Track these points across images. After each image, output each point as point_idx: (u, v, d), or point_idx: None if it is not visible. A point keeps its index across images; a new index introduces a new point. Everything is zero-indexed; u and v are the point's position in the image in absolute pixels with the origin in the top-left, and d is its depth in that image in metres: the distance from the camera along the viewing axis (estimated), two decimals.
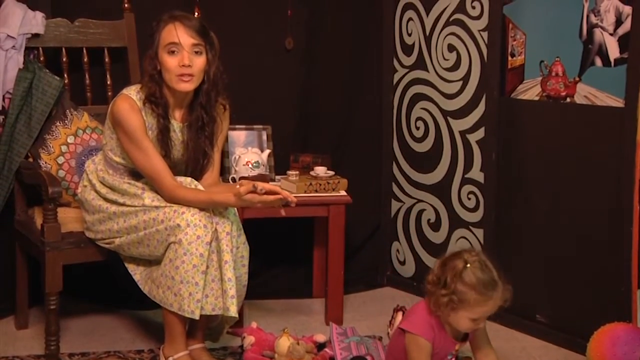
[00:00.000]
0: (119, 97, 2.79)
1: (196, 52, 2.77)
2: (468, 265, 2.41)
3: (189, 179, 2.81)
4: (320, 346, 3.05)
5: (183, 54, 2.74)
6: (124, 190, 2.82)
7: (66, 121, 3.15)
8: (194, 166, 2.88)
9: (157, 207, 2.73)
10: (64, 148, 3.12)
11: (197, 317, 2.68)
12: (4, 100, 3.09)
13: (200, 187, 2.79)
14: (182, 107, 2.87)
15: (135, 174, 2.85)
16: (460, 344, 2.58)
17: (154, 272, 2.77)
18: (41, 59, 3.19)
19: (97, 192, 2.87)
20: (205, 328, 2.91)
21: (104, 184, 2.87)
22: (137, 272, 2.86)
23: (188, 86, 2.77)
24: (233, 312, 2.68)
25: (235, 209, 2.81)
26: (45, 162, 3.08)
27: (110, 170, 2.87)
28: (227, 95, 2.92)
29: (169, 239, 2.68)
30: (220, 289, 2.69)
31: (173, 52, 2.74)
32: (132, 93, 2.79)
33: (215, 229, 2.69)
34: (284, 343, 2.92)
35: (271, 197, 2.64)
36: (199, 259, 2.64)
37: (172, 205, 2.71)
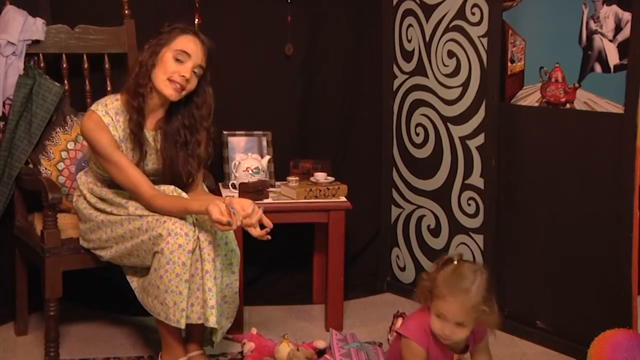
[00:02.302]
0: (86, 114, 2.80)
1: (195, 73, 2.79)
2: (454, 262, 2.46)
3: (171, 187, 2.79)
4: (320, 352, 3.05)
5: (187, 66, 2.75)
6: (110, 200, 2.82)
7: (66, 127, 3.15)
8: (178, 182, 2.85)
9: (140, 216, 2.72)
10: (64, 154, 3.12)
11: (182, 327, 2.66)
12: (4, 106, 3.10)
13: (183, 194, 2.77)
14: (155, 116, 2.86)
15: (112, 184, 2.85)
16: (459, 356, 2.57)
17: (145, 281, 2.78)
18: (41, 65, 3.20)
19: (87, 201, 2.88)
20: (202, 334, 2.90)
21: (93, 194, 2.88)
22: (134, 280, 2.86)
23: (174, 95, 2.77)
24: (212, 322, 2.64)
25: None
26: (46, 168, 3.08)
27: (98, 182, 2.88)
28: (213, 121, 2.92)
29: (154, 248, 2.68)
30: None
31: (179, 60, 2.75)
32: (99, 108, 2.78)
33: (198, 237, 2.68)
34: (284, 349, 2.92)
35: (245, 222, 2.58)
36: (181, 268, 2.62)
37: (155, 214, 2.70)
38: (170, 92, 2.76)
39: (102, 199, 2.84)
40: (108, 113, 2.77)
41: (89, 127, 2.75)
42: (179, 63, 2.75)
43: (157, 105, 2.84)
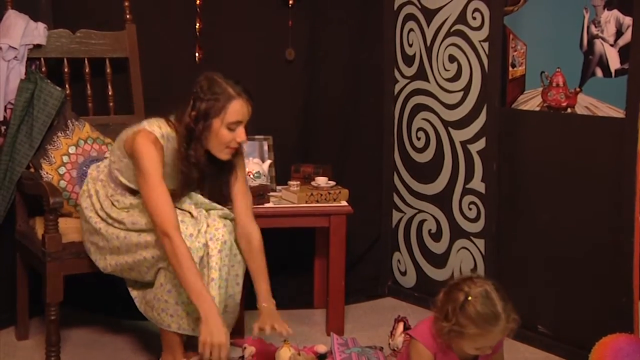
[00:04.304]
0: (141, 132, 2.69)
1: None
2: (469, 298, 2.37)
3: (199, 199, 2.77)
4: (321, 357, 3.04)
5: (242, 130, 2.70)
6: (110, 206, 2.80)
7: (67, 131, 3.15)
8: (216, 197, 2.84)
9: (138, 232, 2.72)
10: (65, 158, 3.12)
11: (198, 334, 2.65)
12: (5, 110, 3.10)
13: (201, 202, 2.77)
14: None
15: (135, 193, 2.82)
16: None
17: (148, 294, 2.79)
18: (43, 69, 3.20)
19: (91, 202, 2.87)
20: None
21: (98, 197, 2.85)
22: (134, 291, 2.87)
23: (230, 157, 2.75)
24: None
25: (230, 222, 2.79)
26: (47, 173, 3.08)
27: (112, 184, 2.85)
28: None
29: (158, 264, 2.69)
30: None
31: (233, 129, 2.69)
32: (155, 129, 2.70)
33: (207, 245, 2.68)
34: (285, 354, 2.92)
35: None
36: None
37: (152, 231, 2.67)
38: (227, 156, 2.74)
39: (106, 202, 2.83)
40: (163, 136, 2.71)
41: (143, 142, 2.65)
42: (233, 131, 2.69)
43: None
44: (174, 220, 2.62)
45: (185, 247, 2.60)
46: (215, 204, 2.82)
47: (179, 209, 2.74)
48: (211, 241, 2.69)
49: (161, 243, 2.63)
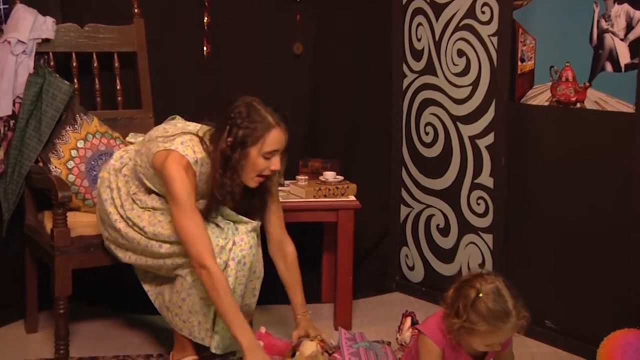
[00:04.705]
0: (173, 155, 2.61)
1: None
2: (480, 295, 2.37)
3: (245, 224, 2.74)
4: (330, 351, 3.04)
5: (277, 159, 2.66)
6: (130, 207, 2.76)
7: (76, 126, 3.15)
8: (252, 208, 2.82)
9: (159, 244, 2.69)
10: (73, 152, 3.12)
11: (207, 345, 2.70)
12: (14, 104, 3.10)
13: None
14: None
15: (159, 195, 2.78)
16: None
17: (165, 293, 2.79)
18: (51, 63, 3.20)
19: (112, 196, 2.81)
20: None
21: (120, 194, 2.80)
22: (146, 283, 2.88)
23: (257, 185, 2.72)
24: (212, 346, 2.71)
25: (256, 237, 2.76)
26: (55, 167, 3.09)
27: (136, 182, 2.80)
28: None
29: (176, 271, 2.70)
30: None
31: (269, 157, 2.65)
32: (189, 153, 2.63)
33: (227, 264, 2.66)
34: (309, 347, 2.89)
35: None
36: (206, 293, 2.64)
37: (175, 243, 2.65)
38: (256, 184, 2.70)
39: (127, 207, 2.78)
40: (197, 162, 2.65)
41: (174, 167, 2.59)
42: (268, 160, 2.65)
43: None
44: (210, 249, 2.59)
45: (223, 277, 2.58)
46: (242, 217, 2.76)
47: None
48: (232, 261, 2.67)
49: (183, 252, 2.62)
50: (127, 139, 2.97)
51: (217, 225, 2.71)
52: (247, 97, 2.67)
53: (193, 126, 2.77)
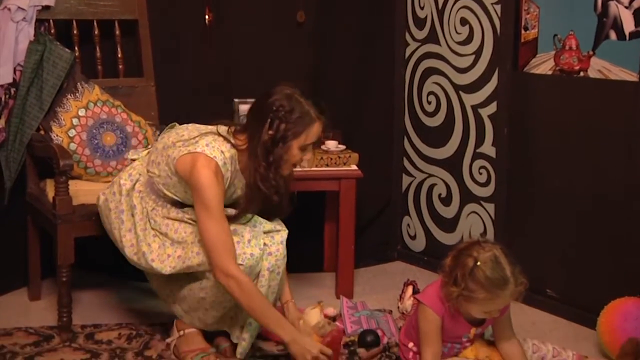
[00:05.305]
0: (201, 159, 2.54)
1: None
2: (478, 263, 2.39)
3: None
4: (331, 320, 3.06)
5: (312, 151, 2.70)
6: (143, 229, 2.70)
7: (77, 94, 3.14)
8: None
9: (180, 243, 2.65)
10: (75, 121, 3.12)
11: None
12: (15, 72, 3.09)
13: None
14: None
15: (177, 204, 2.71)
16: (476, 328, 2.56)
17: (176, 291, 2.76)
18: (52, 31, 3.19)
19: (122, 218, 2.74)
20: None
21: (133, 214, 2.72)
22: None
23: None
24: (238, 353, 2.72)
25: (284, 247, 2.73)
26: (57, 135, 3.08)
27: (153, 196, 2.72)
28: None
29: (198, 269, 2.63)
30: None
31: (305, 149, 2.64)
32: (218, 156, 2.56)
33: (262, 268, 2.65)
34: (314, 317, 2.90)
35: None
36: (228, 302, 2.64)
37: (200, 253, 2.59)
38: (287, 172, 2.69)
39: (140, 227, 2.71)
40: (225, 164, 2.59)
41: (205, 173, 2.52)
42: (304, 151, 2.64)
43: None
44: (235, 257, 2.55)
45: (250, 280, 2.56)
46: (268, 222, 2.76)
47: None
48: (267, 271, 2.65)
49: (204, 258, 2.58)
50: (129, 156, 2.90)
51: (252, 229, 2.68)
52: (285, 88, 2.63)
53: (205, 127, 2.70)
